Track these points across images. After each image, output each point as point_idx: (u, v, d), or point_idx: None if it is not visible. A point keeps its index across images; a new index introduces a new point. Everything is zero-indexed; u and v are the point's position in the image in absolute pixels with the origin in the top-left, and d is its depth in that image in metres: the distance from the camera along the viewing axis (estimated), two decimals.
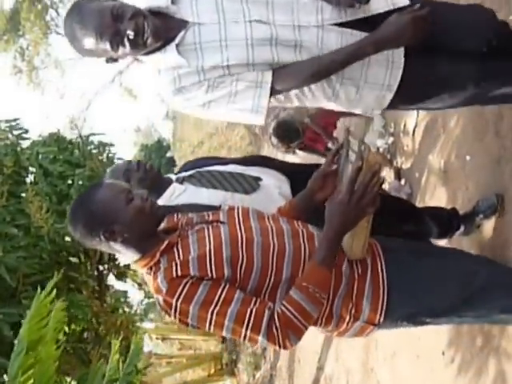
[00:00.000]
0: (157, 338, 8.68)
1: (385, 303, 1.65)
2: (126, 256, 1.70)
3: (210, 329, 1.56)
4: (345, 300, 1.64)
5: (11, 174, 4.34)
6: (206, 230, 1.65)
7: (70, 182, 4.56)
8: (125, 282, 5.36)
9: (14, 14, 20.90)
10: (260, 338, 1.51)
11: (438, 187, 3.35)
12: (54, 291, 1.94)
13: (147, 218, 1.64)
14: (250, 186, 2.38)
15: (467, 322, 1.91)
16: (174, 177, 2.51)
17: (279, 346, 1.52)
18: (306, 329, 1.55)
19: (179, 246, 1.60)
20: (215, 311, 1.52)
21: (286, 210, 1.88)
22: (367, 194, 1.52)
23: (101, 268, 5.05)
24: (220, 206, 1.82)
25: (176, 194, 2.39)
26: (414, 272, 1.70)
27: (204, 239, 1.61)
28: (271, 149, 9.53)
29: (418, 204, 3.58)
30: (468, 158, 3.06)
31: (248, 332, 1.51)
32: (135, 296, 6.09)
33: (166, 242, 1.60)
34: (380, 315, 1.66)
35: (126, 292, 4.96)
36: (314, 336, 5.48)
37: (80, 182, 4.50)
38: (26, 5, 20.64)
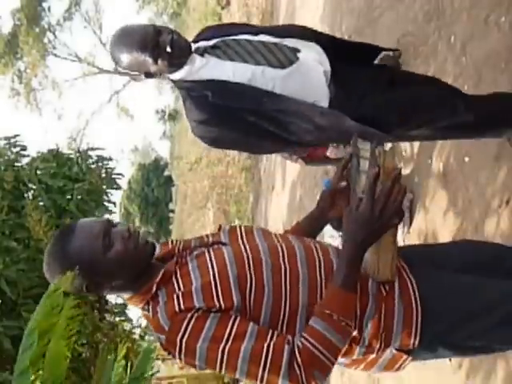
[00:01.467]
0: (157, 359, 8.59)
1: (419, 322, 1.44)
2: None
3: (221, 371, 1.34)
4: (374, 323, 1.42)
5: (11, 189, 4.36)
6: (206, 254, 1.45)
7: (69, 196, 4.58)
8: (125, 302, 5.33)
9: (12, 37, 21.15)
10: (280, 380, 1.29)
11: (439, 190, 3.35)
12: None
13: (133, 259, 1.44)
14: (287, 58, 1.97)
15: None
16: (192, 46, 2.06)
17: None
18: (333, 364, 1.33)
19: (178, 276, 1.41)
20: (226, 349, 1.30)
21: (295, 230, 1.70)
22: (390, 204, 1.31)
23: None
24: (220, 227, 1.61)
25: (196, 68, 2.00)
26: (442, 285, 1.51)
27: (205, 264, 1.41)
28: (269, 160, 9.55)
29: (419, 210, 3.59)
30: (467, 159, 3.07)
31: (266, 373, 1.29)
32: (134, 313, 6.03)
33: (161, 272, 1.41)
34: (415, 338, 1.44)
35: (125, 306, 4.92)
36: None
37: (79, 197, 4.52)
38: (24, 28, 20.88)
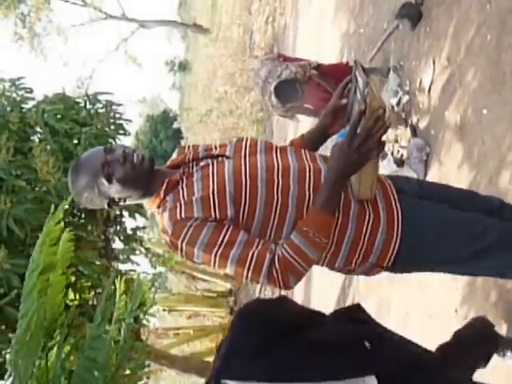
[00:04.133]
0: (164, 310, 8.83)
1: (395, 250, 1.70)
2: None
3: (214, 267, 1.65)
4: (354, 243, 1.68)
5: (17, 130, 4.41)
6: (210, 167, 1.70)
7: (76, 140, 4.64)
8: (132, 247, 5.45)
9: None
10: (261, 279, 1.59)
11: (454, 143, 3.38)
12: (62, 221, 2.02)
13: (135, 177, 1.70)
14: None
15: (472, 273, 1.96)
16: None
17: (279, 287, 1.59)
18: (306, 271, 1.61)
19: (184, 185, 1.68)
20: (218, 253, 1.59)
21: (298, 143, 1.92)
22: (369, 139, 1.52)
23: (107, 232, 5.14)
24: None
25: None
26: (426, 219, 1.73)
27: (208, 177, 1.66)
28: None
29: (434, 163, 3.63)
30: (485, 111, 3.09)
31: (249, 273, 1.59)
32: (141, 261, 6.18)
33: (165, 182, 1.68)
34: (389, 261, 1.71)
35: (133, 250, 5.05)
36: (324, 303, 5.58)
37: (86, 141, 4.56)
38: None
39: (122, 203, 1.78)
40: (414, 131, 3.96)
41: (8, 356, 4.18)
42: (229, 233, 1.60)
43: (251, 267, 1.58)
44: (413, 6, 4.28)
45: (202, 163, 1.74)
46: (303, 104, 4.43)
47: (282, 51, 9.17)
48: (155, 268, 7.35)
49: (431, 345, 3.26)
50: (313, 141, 1.91)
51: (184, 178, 1.71)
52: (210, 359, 7.69)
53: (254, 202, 1.63)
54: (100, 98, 5.04)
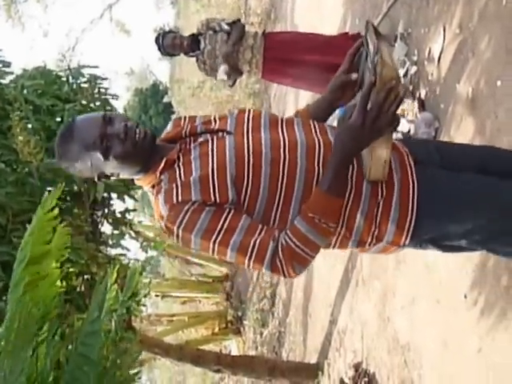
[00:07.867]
0: (156, 295, 8.86)
1: (412, 226, 1.66)
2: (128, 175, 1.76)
3: (213, 255, 1.63)
4: (366, 222, 1.64)
5: None
6: (209, 144, 1.65)
7: (59, 118, 4.60)
8: (121, 231, 5.45)
9: None
10: (263, 268, 1.57)
11: (465, 117, 3.36)
12: (56, 208, 2.00)
13: (134, 155, 1.65)
14: None
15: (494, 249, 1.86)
16: None
17: (284, 276, 1.58)
18: (313, 258, 1.59)
19: (180, 163, 1.63)
20: (217, 240, 1.56)
21: (305, 114, 1.87)
22: (382, 115, 1.47)
23: (95, 215, 5.14)
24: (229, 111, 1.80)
25: None
26: (444, 191, 1.68)
27: (207, 155, 1.61)
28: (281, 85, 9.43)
29: (443, 138, 3.61)
30: (499, 83, 3.06)
31: (251, 262, 1.57)
32: (132, 245, 6.19)
33: (163, 161, 1.63)
34: (406, 238, 1.68)
35: (122, 235, 5.05)
36: (326, 288, 5.61)
37: (70, 119, 4.52)
38: None
39: (113, 177, 1.75)
40: (422, 105, 3.93)
41: None
42: (229, 218, 1.56)
43: (253, 256, 1.56)
44: None
45: (200, 139, 1.68)
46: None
47: (279, 18, 9.04)
48: (146, 252, 7.36)
49: (439, 332, 3.30)
50: (320, 112, 1.85)
51: (181, 155, 1.66)
52: (206, 347, 7.76)
53: (257, 182, 1.58)
54: (84, 71, 4.99)
